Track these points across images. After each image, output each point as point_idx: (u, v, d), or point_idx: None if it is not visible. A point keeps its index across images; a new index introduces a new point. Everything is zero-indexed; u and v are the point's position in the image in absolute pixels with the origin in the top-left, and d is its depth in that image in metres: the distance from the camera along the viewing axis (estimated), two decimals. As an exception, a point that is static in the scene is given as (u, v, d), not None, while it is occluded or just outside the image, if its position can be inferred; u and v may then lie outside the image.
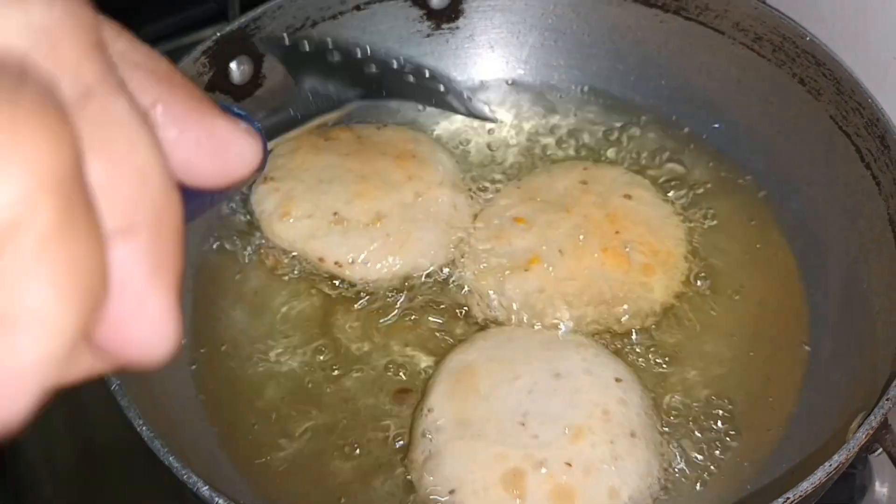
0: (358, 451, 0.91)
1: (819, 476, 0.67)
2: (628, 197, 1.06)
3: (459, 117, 1.17)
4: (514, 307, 0.98)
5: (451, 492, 0.83)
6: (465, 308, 1.00)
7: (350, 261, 1.01)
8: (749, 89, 1.10)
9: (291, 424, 0.93)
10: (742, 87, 1.10)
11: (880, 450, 0.74)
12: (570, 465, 0.83)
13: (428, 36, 1.21)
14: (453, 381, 0.91)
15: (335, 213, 1.03)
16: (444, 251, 1.04)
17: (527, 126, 1.19)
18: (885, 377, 0.79)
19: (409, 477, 0.88)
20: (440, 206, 1.06)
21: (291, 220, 1.03)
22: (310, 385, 0.96)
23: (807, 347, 0.97)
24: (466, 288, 1.01)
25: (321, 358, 0.98)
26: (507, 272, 1.00)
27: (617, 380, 0.90)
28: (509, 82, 1.24)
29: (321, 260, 1.02)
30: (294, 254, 1.04)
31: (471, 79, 1.24)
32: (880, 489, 1.06)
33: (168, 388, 0.92)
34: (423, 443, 0.88)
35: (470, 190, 1.11)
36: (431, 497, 0.84)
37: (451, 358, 0.94)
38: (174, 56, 1.37)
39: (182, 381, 0.96)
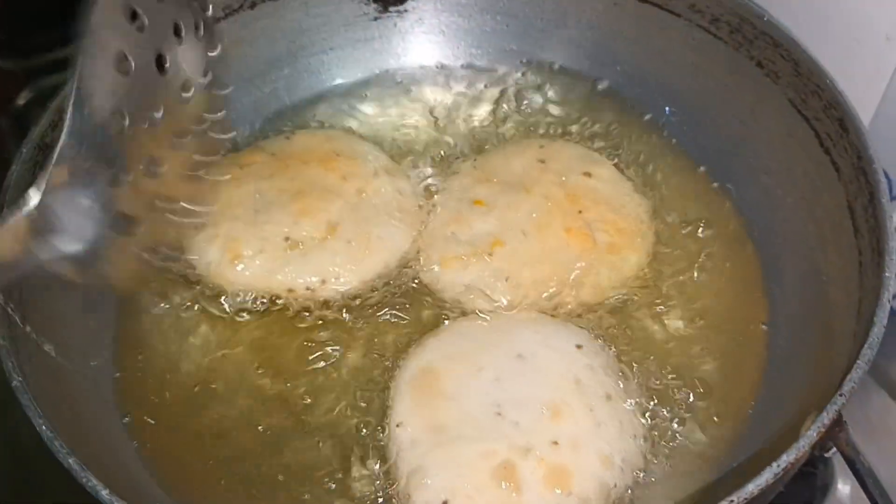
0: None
1: (766, 477, 0.63)
2: (588, 175, 1.02)
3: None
4: (483, 292, 0.95)
5: (445, 503, 0.77)
6: (439, 301, 0.96)
7: (321, 281, 0.95)
8: (706, 74, 1.06)
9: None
10: (699, 72, 1.06)
11: (835, 448, 0.69)
12: (556, 443, 0.79)
13: (375, 19, 1.17)
14: (416, 387, 0.85)
15: (286, 239, 0.96)
16: (408, 240, 1.00)
17: (477, 109, 1.15)
18: (842, 372, 0.74)
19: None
20: (386, 197, 1.02)
21: (243, 263, 0.95)
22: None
23: (765, 336, 0.93)
24: (434, 278, 0.97)
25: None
26: (472, 258, 0.96)
27: (578, 346, 0.87)
28: (462, 67, 1.19)
29: (290, 291, 0.95)
30: (251, 294, 0.96)
31: (421, 63, 1.19)
32: (842, 488, 1.03)
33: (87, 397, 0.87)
34: (401, 461, 0.81)
35: (411, 171, 1.08)
36: None
37: (406, 364, 0.88)
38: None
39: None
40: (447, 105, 1.15)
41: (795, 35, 0.94)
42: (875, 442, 1.05)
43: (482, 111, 1.15)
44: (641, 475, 0.82)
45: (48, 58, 1.35)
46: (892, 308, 1.12)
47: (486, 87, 1.17)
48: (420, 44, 1.19)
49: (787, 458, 0.64)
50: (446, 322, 0.93)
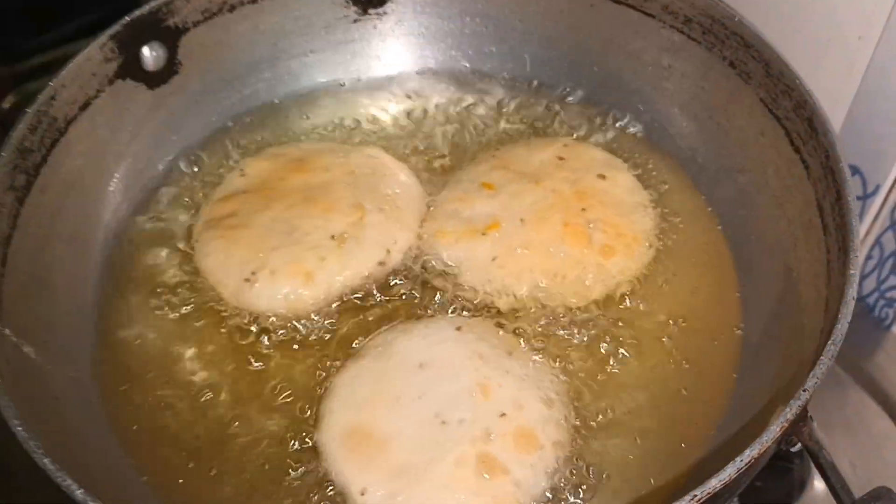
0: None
1: (729, 472, 0.63)
2: (602, 177, 1.03)
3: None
4: (465, 273, 0.97)
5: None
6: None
7: (387, 252, 0.98)
8: (680, 74, 1.07)
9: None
10: (673, 73, 1.07)
11: (798, 442, 0.70)
12: (504, 414, 0.82)
13: (355, 21, 1.18)
14: (353, 451, 0.82)
15: (332, 237, 0.97)
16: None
17: (457, 110, 1.16)
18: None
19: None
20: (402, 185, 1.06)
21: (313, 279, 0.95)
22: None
23: (739, 333, 0.94)
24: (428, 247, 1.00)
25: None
26: (465, 234, 0.99)
27: (457, 329, 0.90)
28: (442, 69, 1.20)
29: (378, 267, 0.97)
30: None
31: (401, 65, 1.20)
32: (818, 484, 1.04)
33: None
34: None
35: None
36: None
37: (327, 425, 0.85)
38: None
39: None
40: (425, 106, 1.16)
41: (768, 36, 0.95)
42: (851, 436, 1.07)
43: (461, 112, 1.16)
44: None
45: (33, 62, 1.36)
46: (867, 304, 1.15)
47: (465, 88, 1.18)
48: (400, 46, 1.20)
49: (749, 453, 0.65)
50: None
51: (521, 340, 0.92)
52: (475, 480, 0.79)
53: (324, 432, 0.85)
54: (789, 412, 0.67)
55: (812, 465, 1.04)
